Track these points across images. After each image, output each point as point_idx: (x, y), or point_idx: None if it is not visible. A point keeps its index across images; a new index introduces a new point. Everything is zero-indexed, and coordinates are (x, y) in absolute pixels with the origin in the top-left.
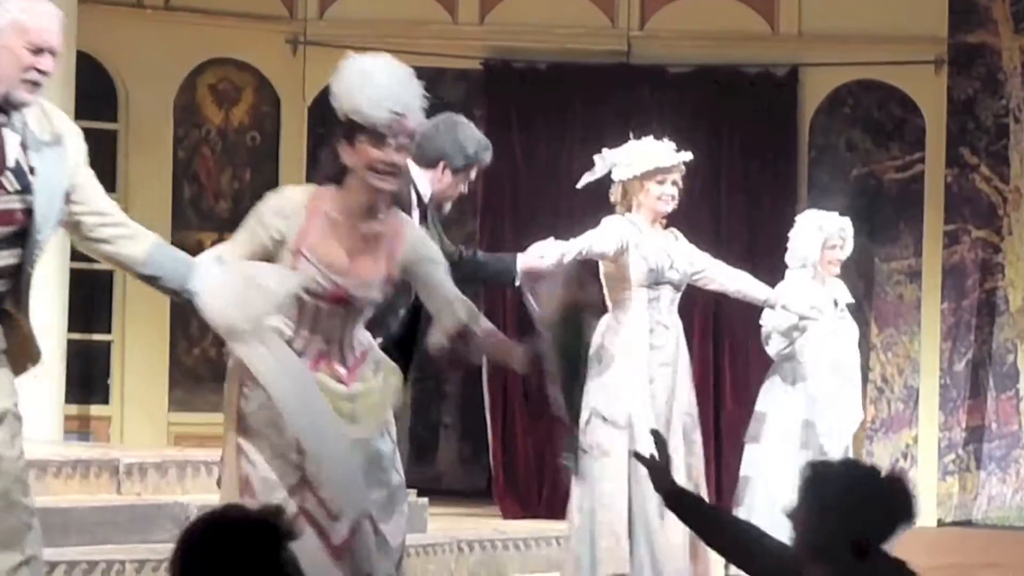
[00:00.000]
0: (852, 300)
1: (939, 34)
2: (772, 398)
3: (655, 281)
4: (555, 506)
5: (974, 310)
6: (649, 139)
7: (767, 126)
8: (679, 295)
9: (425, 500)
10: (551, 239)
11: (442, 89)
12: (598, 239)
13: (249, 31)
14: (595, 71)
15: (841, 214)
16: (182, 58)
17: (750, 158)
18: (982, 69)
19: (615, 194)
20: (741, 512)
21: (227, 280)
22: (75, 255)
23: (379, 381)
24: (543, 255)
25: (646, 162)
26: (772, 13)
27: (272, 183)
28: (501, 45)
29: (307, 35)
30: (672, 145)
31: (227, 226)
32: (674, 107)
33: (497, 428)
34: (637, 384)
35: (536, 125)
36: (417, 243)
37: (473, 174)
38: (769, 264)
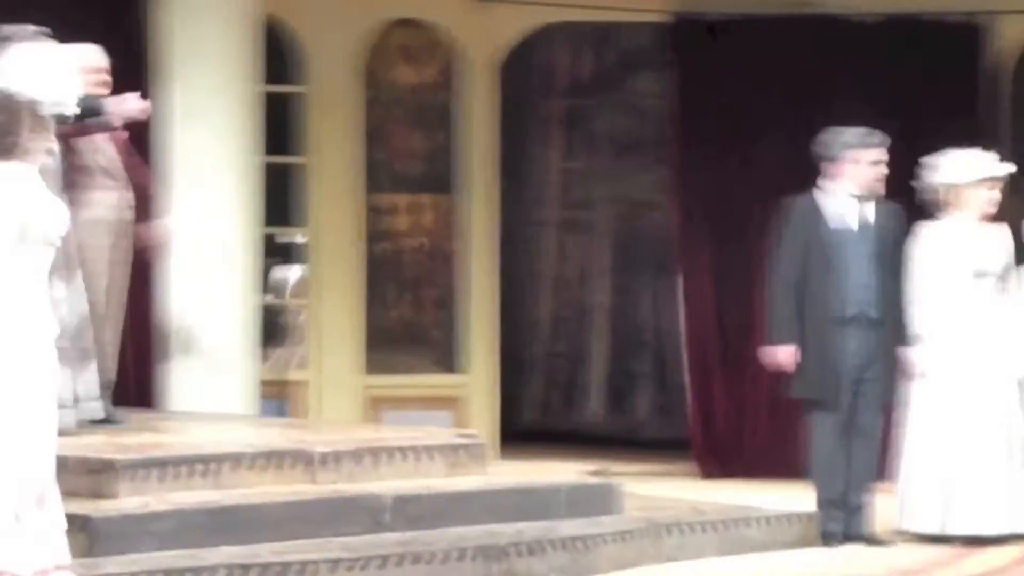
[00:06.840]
0: None
1: None
2: None
3: (978, 275)
4: (753, 465)
5: None
6: (978, 151)
7: (963, 75)
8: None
9: (623, 484)
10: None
11: (632, 42)
12: (919, 271)
13: None
14: (783, 22)
15: None
16: (369, 20)
17: (946, 110)
18: None
19: (944, 194)
20: None
21: None
22: (267, 221)
23: None
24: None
25: (982, 170)
26: None
27: (465, 144)
28: None
29: None
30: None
31: (420, 186)
32: (865, 57)
33: (695, 389)
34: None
35: (726, 77)
36: None
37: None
38: None
